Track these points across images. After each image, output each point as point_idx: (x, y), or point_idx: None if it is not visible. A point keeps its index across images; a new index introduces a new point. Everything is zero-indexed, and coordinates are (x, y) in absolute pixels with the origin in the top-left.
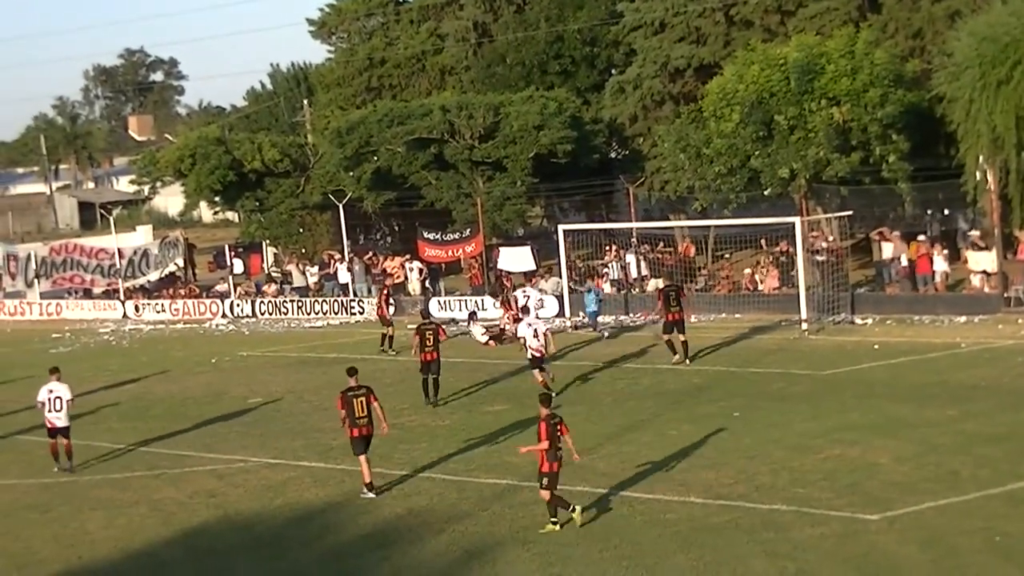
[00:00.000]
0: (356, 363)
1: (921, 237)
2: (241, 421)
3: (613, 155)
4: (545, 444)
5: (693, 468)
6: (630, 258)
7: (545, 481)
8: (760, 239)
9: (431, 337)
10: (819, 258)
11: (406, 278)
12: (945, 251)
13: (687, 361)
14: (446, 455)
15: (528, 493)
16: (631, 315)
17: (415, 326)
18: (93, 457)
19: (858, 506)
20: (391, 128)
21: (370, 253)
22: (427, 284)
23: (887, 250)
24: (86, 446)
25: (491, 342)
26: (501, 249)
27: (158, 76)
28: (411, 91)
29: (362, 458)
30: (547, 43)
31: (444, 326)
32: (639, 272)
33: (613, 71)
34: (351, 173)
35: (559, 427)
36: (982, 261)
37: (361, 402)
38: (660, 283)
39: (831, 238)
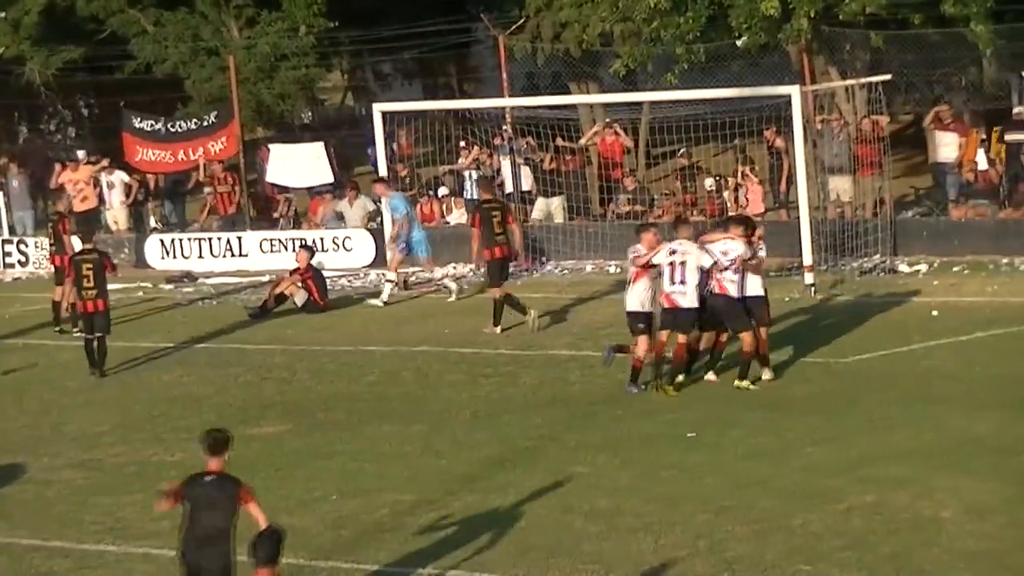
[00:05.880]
0: (18, 351)
1: None
2: None
3: None
4: None
5: (615, 531)
6: (504, 163)
7: None
8: (731, 126)
9: (91, 273)
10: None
11: (102, 200)
12: None
13: (497, 328)
14: (177, 519)
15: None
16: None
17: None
18: None
19: None
20: None
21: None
22: (143, 212)
23: (947, 145)
24: None
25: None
26: (272, 148)
27: None
28: None
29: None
30: None
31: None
32: (517, 185)
33: None
34: (2, 14)
35: None
36: None
37: (90, 270)
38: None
39: (854, 120)
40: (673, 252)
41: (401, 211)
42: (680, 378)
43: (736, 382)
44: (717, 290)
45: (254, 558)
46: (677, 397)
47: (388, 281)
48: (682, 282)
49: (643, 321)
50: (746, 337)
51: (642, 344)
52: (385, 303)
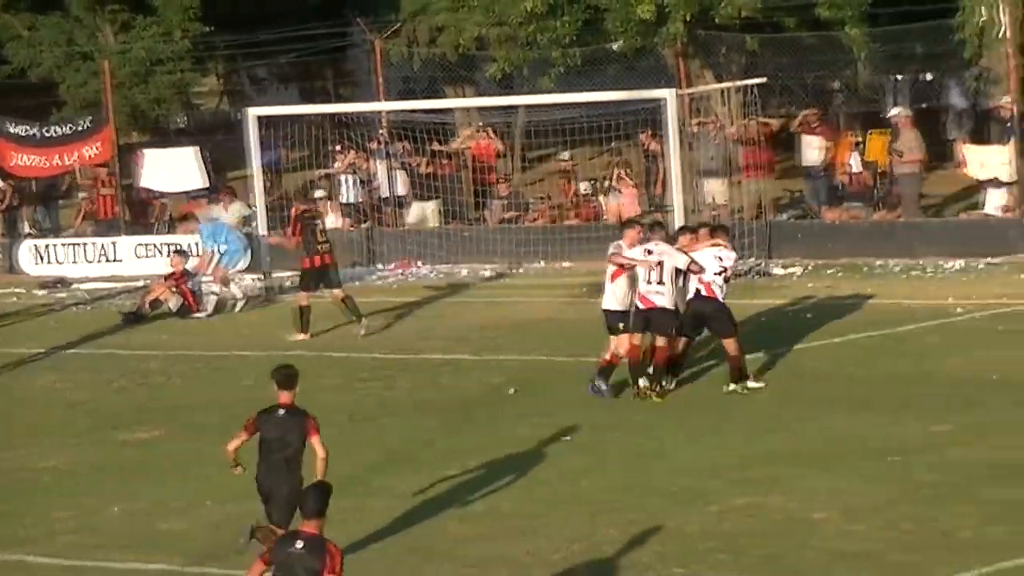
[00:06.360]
0: None
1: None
2: None
3: None
4: None
5: (490, 534)
6: (379, 167)
7: None
8: (607, 129)
9: None
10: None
11: None
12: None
13: (362, 330)
14: (51, 525)
15: None
16: (382, 266)
17: None
18: None
19: None
20: None
21: None
22: (16, 217)
23: (813, 148)
24: None
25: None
26: (146, 153)
27: None
28: None
29: None
30: None
31: None
32: (392, 189)
33: None
34: None
35: None
36: (990, 162)
37: None
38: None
39: (729, 124)
40: (649, 252)
41: (208, 247)
42: (666, 383)
43: (731, 386)
44: (705, 293)
45: (301, 512)
46: (655, 402)
47: (237, 288)
48: (660, 282)
49: (623, 320)
50: (730, 343)
51: (622, 342)
52: (243, 304)
